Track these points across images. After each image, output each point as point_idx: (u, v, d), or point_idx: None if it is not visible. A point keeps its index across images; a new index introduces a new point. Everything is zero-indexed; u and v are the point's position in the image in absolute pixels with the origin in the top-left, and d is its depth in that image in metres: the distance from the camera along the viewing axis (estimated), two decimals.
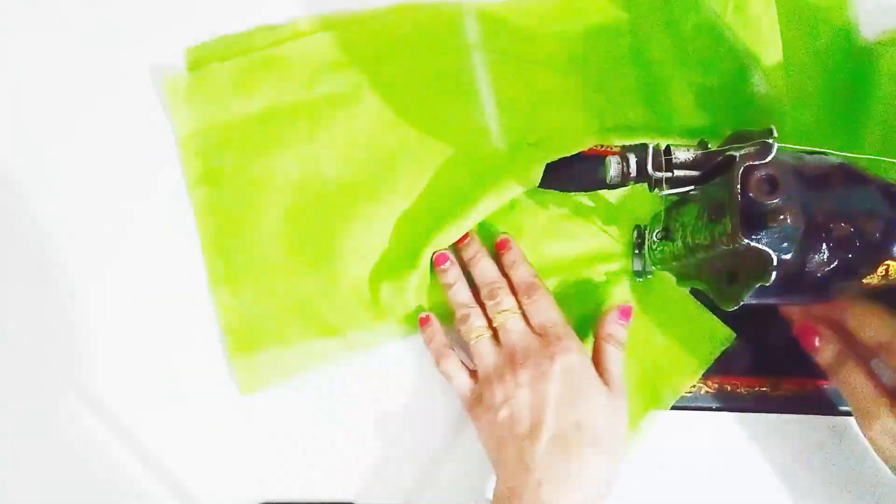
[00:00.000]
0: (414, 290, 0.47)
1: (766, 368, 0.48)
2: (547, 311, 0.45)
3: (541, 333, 0.45)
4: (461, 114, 0.50)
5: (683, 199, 0.40)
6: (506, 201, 0.46)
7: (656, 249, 0.42)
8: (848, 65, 0.48)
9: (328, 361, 0.49)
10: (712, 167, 0.37)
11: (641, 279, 0.48)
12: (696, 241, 0.37)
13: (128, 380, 0.50)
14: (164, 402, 0.49)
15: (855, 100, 0.48)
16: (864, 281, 0.36)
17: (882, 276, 0.36)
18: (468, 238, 0.48)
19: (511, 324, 0.45)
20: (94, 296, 0.50)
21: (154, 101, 0.52)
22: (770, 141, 0.33)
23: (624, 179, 0.41)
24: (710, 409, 0.48)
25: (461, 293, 0.47)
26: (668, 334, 0.48)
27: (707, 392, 0.48)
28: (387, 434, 0.49)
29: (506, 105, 0.50)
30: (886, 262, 0.36)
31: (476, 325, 0.46)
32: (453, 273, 0.47)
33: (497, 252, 0.48)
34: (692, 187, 0.39)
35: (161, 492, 0.49)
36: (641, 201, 0.48)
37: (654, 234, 0.42)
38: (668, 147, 0.39)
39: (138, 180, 0.51)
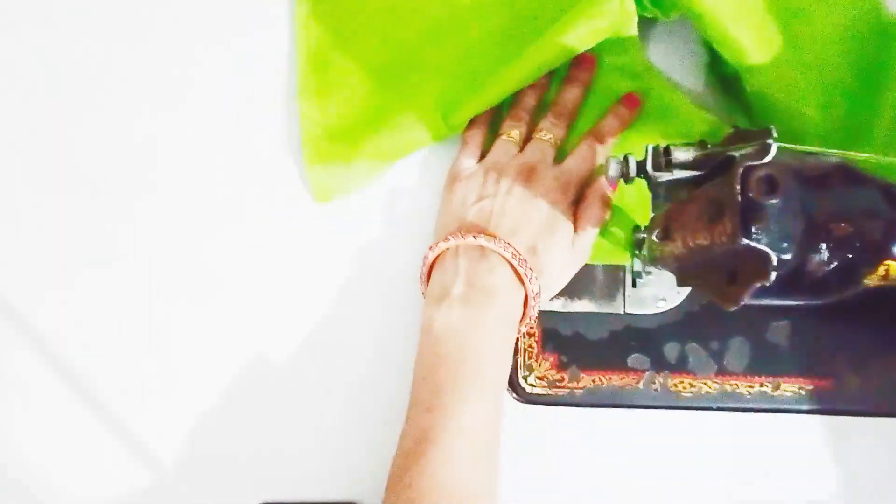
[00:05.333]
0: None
1: (766, 368, 0.48)
2: (584, 164, 0.48)
3: (561, 171, 0.47)
4: None
5: (683, 199, 0.40)
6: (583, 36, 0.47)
7: (656, 249, 0.42)
8: (872, 40, 0.47)
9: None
10: (712, 167, 0.37)
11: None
12: (696, 241, 0.37)
13: (127, 378, 0.50)
14: (164, 402, 0.50)
15: (875, 73, 0.47)
16: (863, 281, 0.36)
17: (882, 277, 0.36)
18: (591, 64, 0.50)
19: (545, 148, 0.48)
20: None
21: None
22: (770, 141, 0.33)
23: (624, 179, 0.41)
24: (710, 409, 0.48)
25: (530, 99, 0.50)
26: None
27: (707, 392, 0.48)
28: (387, 434, 0.49)
29: None
30: (886, 263, 0.36)
31: (521, 129, 0.49)
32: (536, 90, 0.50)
33: (622, 102, 0.50)
34: (691, 187, 0.39)
35: (161, 491, 0.49)
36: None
37: (654, 235, 0.42)
38: (667, 147, 0.39)
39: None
